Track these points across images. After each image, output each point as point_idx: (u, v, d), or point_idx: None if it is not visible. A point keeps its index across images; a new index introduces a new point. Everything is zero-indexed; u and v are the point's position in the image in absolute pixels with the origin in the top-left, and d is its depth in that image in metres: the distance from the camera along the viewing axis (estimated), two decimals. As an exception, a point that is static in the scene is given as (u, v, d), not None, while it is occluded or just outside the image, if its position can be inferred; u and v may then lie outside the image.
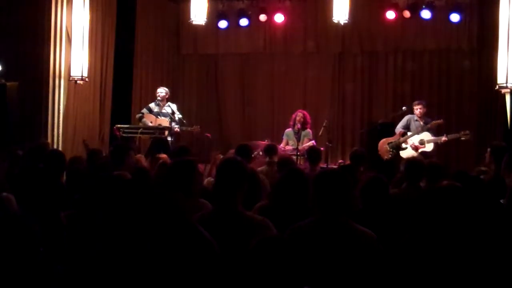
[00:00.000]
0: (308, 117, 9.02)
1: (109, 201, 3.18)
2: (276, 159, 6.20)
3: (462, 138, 8.34)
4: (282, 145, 9.00)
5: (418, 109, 8.49)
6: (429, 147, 8.36)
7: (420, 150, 8.30)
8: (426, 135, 8.40)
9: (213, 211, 3.03)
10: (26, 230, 2.32)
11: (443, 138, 8.29)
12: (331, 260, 2.70)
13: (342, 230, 2.76)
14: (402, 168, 4.86)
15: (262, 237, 2.53)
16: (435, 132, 8.53)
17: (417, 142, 8.40)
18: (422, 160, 4.68)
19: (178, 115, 8.84)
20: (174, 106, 8.96)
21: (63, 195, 3.78)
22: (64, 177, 4.85)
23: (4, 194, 3.62)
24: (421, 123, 8.53)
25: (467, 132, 8.30)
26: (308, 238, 2.74)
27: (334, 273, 2.69)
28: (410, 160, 4.64)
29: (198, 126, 9.05)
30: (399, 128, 8.74)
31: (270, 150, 6.61)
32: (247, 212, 3.05)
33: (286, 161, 5.30)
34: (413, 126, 8.58)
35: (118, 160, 4.90)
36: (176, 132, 8.75)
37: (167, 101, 8.99)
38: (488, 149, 5.89)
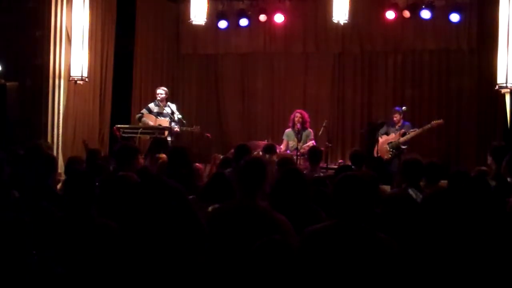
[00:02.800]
0: (306, 116, 9.00)
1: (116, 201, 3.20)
2: (275, 158, 6.21)
3: (433, 125, 8.77)
4: (282, 145, 8.99)
5: (394, 117, 9.09)
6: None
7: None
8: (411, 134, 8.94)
9: (233, 203, 3.16)
10: (19, 231, 2.31)
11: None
12: (348, 265, 2.64)
13: (361, 236, 2.69)
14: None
15: (266, 239, 2.55)
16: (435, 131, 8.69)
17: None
18: (420, 160, 4.68)
19: (177, 115, 8.84)
20: (173, 106, 8.96)
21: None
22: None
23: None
24: (396, 127, 9.01)
25: (440, 120, 8.80)
26: (324, 242, 2.70)
27: (351, 278, 2.63)
28: (409, 160, 4.63)
29: (198, 126, 9.05)
30: (379, 134, 9.11)
31: (269, 149, 6.62)
32: (266, 207, 3.16)
33: (285, 161, 5.30)
34: (390, 130, 9.08)
35: (124, 162, 4.72)
36: (176, 132, 8.75)
37: (166, 101, 8.99)
38: (489, 150, 5.90)
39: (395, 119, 9.05)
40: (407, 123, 9.02)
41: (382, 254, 2.65)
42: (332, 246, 2.67)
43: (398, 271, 2.67)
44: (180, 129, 8.81)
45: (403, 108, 9.05)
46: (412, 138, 8.91)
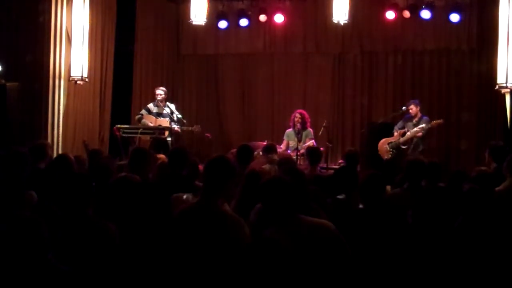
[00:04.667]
0: (306, 116, 9.00)
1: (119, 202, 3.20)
2: (276, 157, 6.21)
3: (433, 125, 8.55)
4: (283, 146, 8.98)
5: (410, 109, 8.79)
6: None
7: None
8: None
9: (194, 205, 3.15)
10: (35, 232, 2.32)
11: (418, 130, 8.56)
12: (297, 259, 2.73)
13: (301, 229, 2.85)
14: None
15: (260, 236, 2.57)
16: (435, 132, 8.63)
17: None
18: (423, 160, 4.69)
19: (177, 115, 8.83)
20: (172, 106, 8.95)
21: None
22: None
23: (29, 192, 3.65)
24: (413, 121, 8.74)
25: (440, 120, 8.59)
26: (273, 247, 2.76)
27: (302, 272, 2.74)
28: (411, 160, 4.65)
29: (199, 125, 9.03)
30: (396, 127, 8.97)
31: (269, 149, 6.62)
32: (225, 208, 3.15)
33: (286, 161, 5.30)
34: (407, 125, 8.83)
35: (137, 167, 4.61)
36: (177, 132, 8.74)
37: (165, 102, 8.98)
38: (487, 149, 5.91)
39: (411, 111, 8.75)
40: (425, 117, 8.75)
41: (324, 238, 2.84)
42: (283, 245, 2.73)
43: (341, 251, 2.85)
44: (180, 128, 8.81)
45: (403, 108, 9.02)
46: (412, 138, 8.87)
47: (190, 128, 8.93)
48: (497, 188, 4.55)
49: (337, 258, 2.82)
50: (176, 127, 8.70)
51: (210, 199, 3.05)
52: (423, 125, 8.52)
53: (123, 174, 3.80)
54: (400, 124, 8.96)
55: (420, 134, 8.55)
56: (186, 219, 3.04)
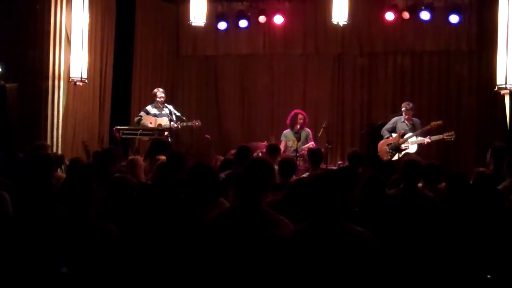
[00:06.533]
0: (306, 116, 9.01)
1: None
2: (278, 158, 6.21)
3: (445, 138, 8.47)
4: (281, 147, 8.96)
5: (409, 113, 8.68)
6: (412, 149, 8.57)
7: (403, 152, 8.54)
8: (411, 137, 8.60)
9: (237, 206, 3.13)
10: (17, 229, 2.32)
11: (426, 140, 8.49)
12: (330, 261, 2.71)
13: (339, 232, 2.78)
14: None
15: (265, 235, 2.57)
16: (434, 133, 8.60)
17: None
18: (419, 161, 4.68)
19: (176, 113, 8.81)
20: (170, 107, 8.94)
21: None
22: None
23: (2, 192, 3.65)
24: (408, 124, 8.69)
25: (451, 133, 8.45)
26: (306, 241, 2.75)
27: (333, 274, 2.70)
28: (408, 161, 4.65)
29: (199, 120, 8.97)
30: (385, 130, 8.91)
31: (272, 150, 6.59)
32: (270, 210, 3.12)
33: (287, 162, 5.29)
34: (399, 127, 8.75)
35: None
36: (176, 128, 8.72)
37: (164, 103, 8.97)
38: (490, 150, 5.91)
39: (409, 115, 8.69)
40: (416, 119, 8.77)
41: (360, 247, 2.74)
42: (312, 244, 2.73)
43: (376, 263, 2.76)
44: (180, 125, 8.77)
45: (403, 109, 9.00)
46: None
47: (189, 123, 8.89)
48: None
49: (368, 270, 2.74)
50: (175, 124, 8.68)
51: (254, 200, 3.05)
52: (421, 138, 8.51)
53: (118, 175, 3.81)
54: (389, 127, 8.90)
55: (419, 133, 8.59)
56: (230, 220, 3.04)
